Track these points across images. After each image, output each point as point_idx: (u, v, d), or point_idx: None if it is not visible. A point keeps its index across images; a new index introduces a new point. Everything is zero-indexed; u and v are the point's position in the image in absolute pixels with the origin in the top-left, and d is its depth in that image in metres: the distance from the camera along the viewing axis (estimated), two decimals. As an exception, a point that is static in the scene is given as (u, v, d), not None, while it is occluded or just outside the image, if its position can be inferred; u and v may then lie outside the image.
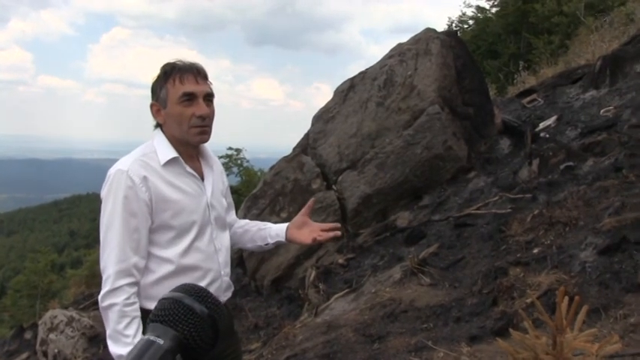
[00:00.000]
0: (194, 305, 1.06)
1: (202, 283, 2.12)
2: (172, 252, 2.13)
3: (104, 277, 2.06)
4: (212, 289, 2.18)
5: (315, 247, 6.96)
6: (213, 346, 1.08)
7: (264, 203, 7.36)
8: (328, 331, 4.84)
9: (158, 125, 2.19)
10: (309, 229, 2.37)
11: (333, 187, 7.15)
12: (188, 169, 2.18)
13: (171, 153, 2.14)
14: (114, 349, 2.01)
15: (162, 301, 1.08)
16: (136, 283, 2.08)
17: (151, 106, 2.16)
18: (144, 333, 1.06)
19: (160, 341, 1.02)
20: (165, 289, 2.04)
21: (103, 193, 2.11)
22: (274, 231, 2.44)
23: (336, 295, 5.69)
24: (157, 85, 2.14)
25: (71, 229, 73.14)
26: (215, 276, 2.23)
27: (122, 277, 2.05)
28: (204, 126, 2.14)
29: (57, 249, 54.33)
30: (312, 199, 2.48)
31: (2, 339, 11.50)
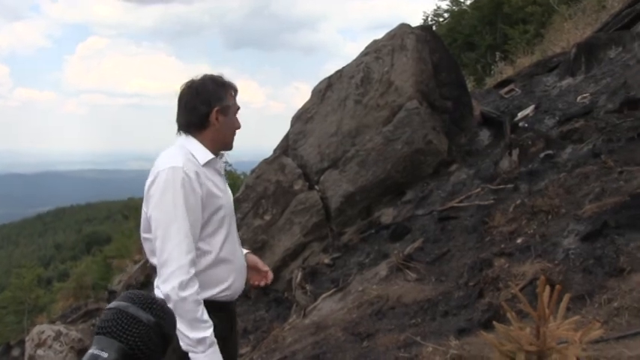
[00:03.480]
0: (139, 314, 1.03)
1: (234, 274, 2.34)
2: (212, 245, 2.27)
3: (170, 269, 2.12)
4: (240, 280, 2.39)
5: (301, 248, 6.94)
6: (162, 353, 1.05)
7: (248, 207, 7.32)
8: (317, 331, 4.83)
9: (197, 128, 2.29)
10: (259, 273, 2.61)
11: (316, 187, 7.13)
12: (220, 169, 2.37)
13: (209, 154, 2.29)
14: (195, 334, 2.10)
15: (107, 312, 1.04)
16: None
17: (216, 110, 2.28)
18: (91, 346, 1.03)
19: (104, 354, 0.99)
20: (204, 280, 2.21)
21: (158, 190, 2.19)
22: None
23: (323, 295, 5.68)
24: (221, 92, 2.30)
25: (56, 242, 72.38)
26: (242, 267, 2.41)
27: (192, 266, 2.15)
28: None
29: (43, 263, 53.70)
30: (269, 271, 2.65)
31: (-11, 358, 11.38)
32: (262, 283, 2.62)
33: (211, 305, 2.22)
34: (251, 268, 2.59)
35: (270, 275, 2.65)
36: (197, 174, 2.21)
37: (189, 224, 2.16)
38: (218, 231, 2.28)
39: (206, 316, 2.14)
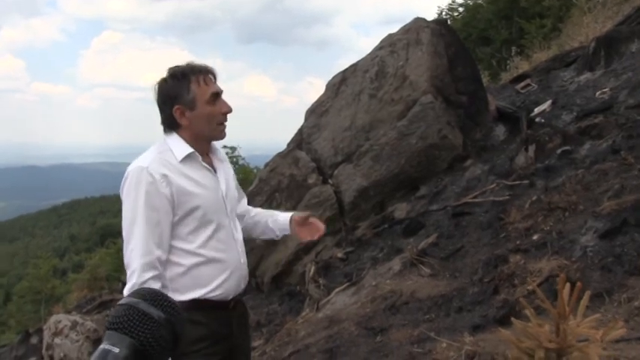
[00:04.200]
0: (150, 310, 1.04)
1: (225, 274, 2.25)
2: (194, 244, 2.20)
3: (129, 272, 2.11)
4: (234, 279, 2.29)
5: (314, 242, 6.93)
6: (173, 350, 1.06)
7: (261, 200, 7.32)
8: (330, 325, 4.82)
9: (171, 128, 2.24)
10: (309, 229, 2.56)
11: (329, 181, 7.11)
12: (204, 163, 2.26)
13: (187, 149, 2.21)
14: None
15: (118, 308, 1.06)
16: (159, 276, 2.13)
17: (175, 110, 2.19)
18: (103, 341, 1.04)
19: (116, 350, 1.00)
20: (191, 281, 2.17)
21: (124, 191, 2.16)
22: (281, 226, 2.59)
23: (336, 290, 5.66)
24: (178, 88, 2.19)
25: (71, 233, 73.09)
26: (236, 265, 2.30)
27: (147, 270, 2.10)
28: (225, 122, 2.29)
29: (58, 254, 54.29)
30: (309, 213, 2.61)
31: (10, 344, 11.56)
32: (316, 237, 2.55)
33: (202, 304, 2.20)
34: (300, 226, 2.55)
35: (321, 227, 2.58)
36: (164, 174, 2.13)
37: (150, 226, 2.11)
38: (200, 229, 2.21)
39: None
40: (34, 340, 10.00)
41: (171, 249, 2.19)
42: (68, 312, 10.70)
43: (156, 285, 2.09)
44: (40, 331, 9.64)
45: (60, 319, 8.68)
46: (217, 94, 2.24)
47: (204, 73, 2.22)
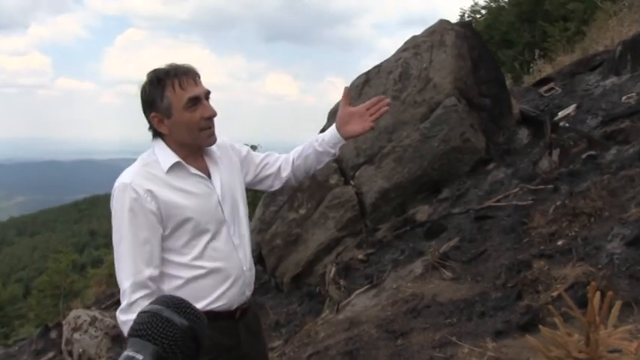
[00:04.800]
0: (173, 317, 1.05)
1: (226, 283, 2.14)
2: (189, 256, 2.10)
3: (121, 292, 2.05)
4: (237, 287, 2.18)
5: (334, 243, 6.93)
6: (195, 358, 1.07)
7: (282, 200, 7.34)
8: (350, 327, 4.80)
9: (157, 134, 2.13)
10: (359, 118, 2.34)
11: (351, 182, 7.10)
12: (193, 170, 2.12)
13: (173, 158, 2.09)
14: None
15: (141, 315, 1.06)
16: (152, 295, 2.03)
17: (152, 117, 2.07)
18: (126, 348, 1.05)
19: (140, 357, 1.01)
20: (191, 293, 2.06)
21: (112, 207, 2.09)
22: (330, 140, 2.36)
23: (357, 291, 5.65)
24: (153, 95, 2.05)
25: (91, 229, 73.81)
26: (237, 274, 2.18)
27: (137, 290, 2.02)
28: (212, 126, 2.11)
29: (77, 249, 54.88)
30: (345, 87, 2.40)
31: (29, 338, 11.69)
32: (368, 126, 2.33)
33: (206, 315, 2.14)
34: (348, 124, 2.33)
35: (374, 100, 2.34)
36: (148, 189, 2.03)
37: (137, 245, 2.02)
38: (193, 241, 2.10)
39: None
40: (53, 334, 10.10)
41: (166, 262, 2.10)
42: (87, 307, 10.80)
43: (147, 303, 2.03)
44: (59, 326, 9.74)
45: (79, 314, 8.77)
46: (196, 99, 2.05)
47: (180, 76, 2.03)
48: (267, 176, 2.42)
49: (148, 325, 1.03)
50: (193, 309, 1.09)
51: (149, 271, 2.03)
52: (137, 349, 1.02)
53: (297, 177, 2.46)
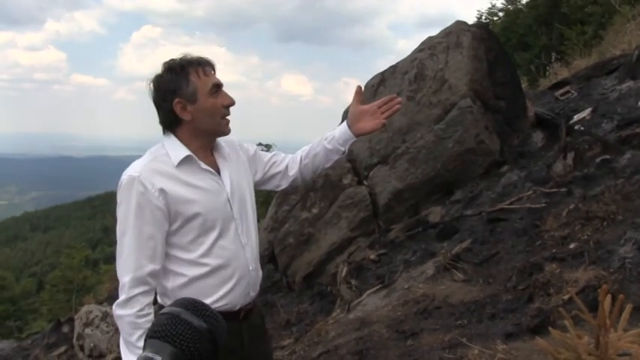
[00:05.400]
0: (192, 320, 1.05)
1: (231, 281, 2.10)
2: (196, 253, 2.06)
3: (120, 286, 2.01)
4: (241, 286, 2.14)
5: (347, 242, 6.94)
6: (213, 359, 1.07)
7: (295, 199, 7.36)
8: (361, 327, 4.82)
9: (170, 127, 2.11)
10: (370, 116, 2.34)
11: (364, 182, 7.12)
12: (203, 165, 2.10)
13: (184, 152, 2.07)
14: (125, 357, 2.00)
15: (160, 317, 1.08)
16: (151, 291, 2.03)
17: (176, 103, 2.03)
18: (143, 349, 1.05)
19: (158, 358, 1.01)
20: (194, 292, 2.03)
21: (118, 200, 2.05)
22: (341, 137, 2.37)
23: (368, 291, 5.66)
24: (177, 81, 2.04)
25: (104, 225, 74.32)
26: (243, 273, 2.14)
27: (136, 285, 1.99)
28: (229, 115, 2.12)
29: (91, 245, 55.33)
30: (357, 85, 2.41)
31: (42, 332, 11.80)
32: (380, 123, 2.32)
33: None
34: (360, 122, 2.34)
35: (385, 99, 2.33)
36: (157, 184, 1.99)
37: (141, 240, 1.98)
38: (201, 238, 2.06)
39: (140, 343, 1.90)
40: (65, 329, 10.19)
41: (171, 259, 2.06)
42: (99, 303, 10.88)
43: (145, 300, 1.99)
44: (71, 321, 9.81)
45: (91, 309, 8.83)
46: (219, 86, 2.08)
47: (202, 65, 2.06)
48: (275, 175, 2.42)
49: (166, 327, 1.04)
50: (212, 311, 1.10)
51: (150, 268, 2.00)
52: (156, 350, 1.03)
53: (304, 176, 2.46)
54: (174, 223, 2.03)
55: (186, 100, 2.04)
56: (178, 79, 2.03)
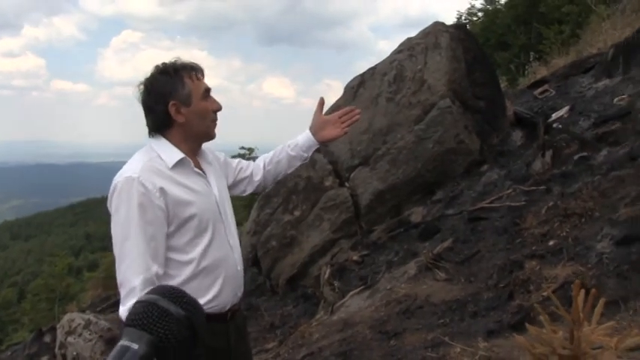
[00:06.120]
0: (169, 307, 1.04)
1: (221, 282, 2.13)
2: (192, 254, 2.08)
3: (125, 290, 1.98)
4: (230, 287, 2.18)
5: (329, 244, 6.95)
6: (192, 348, 1.06)
7: (277, 202, 7.36)
8: (344, 328, 4.83)
9: (161, 129, 2.13)
10: (332, 125, 2.50)
11: (346, 184, 7.13)
12: (195, 169, 2.14)
13: (178, 154, 2.09)
14: None
15: (137, 305, 1.06)
16: None
17: (171, 105, 2.06)
18: (120, 337, 1.04)
19: (135, 346, 1.00)
20: (188, 292, 2.04)
21: (113, 204, 2.04)
22: (304, 144, 2.51)
23: (351, 293, 5.68)
24: (172, 83, 2.07)
25: (87, 232, 73.68)
26: (232, 274, 2.19)
27: (148, 287, 1.93)
28: (216, 120, 2.19)
29: (73, 252, 54.77)
30: (320, 97, 2.56)
31: (23, 342, 11.64)
32: (342, 131, 2.50)
33: None
34: (323, 130, 2.50)
35: (346, 110, 2.52)
36: (157, 184, 2.01)
37: (145, 241, 1.98)
38: (196, 239, 2.08)
39: None
40: (47, 338, 10.07)
41: (166, 261, 2.06)
42: (82, 311, 10.78)
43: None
44: (53, 330, 9.70)
45: (73, 317, 8.73)
46: (209, 91, 2.15)
47: (195, 69, 2.13)
48: (242, 180, 2.52)
49: (143, 315, 1.03)
50: (190, 298, 1.08)
51: (155, 268, 2.00)
52: (132, 338, 1.01)
53: (267, 182, 2.57)
54: (171, 224, 2.04)
55: (181, 102, 2.08)
56: (174, 82, 2.08)
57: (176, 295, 1.07)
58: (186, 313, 1.05)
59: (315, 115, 2.52)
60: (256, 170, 2.53)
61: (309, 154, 2.55)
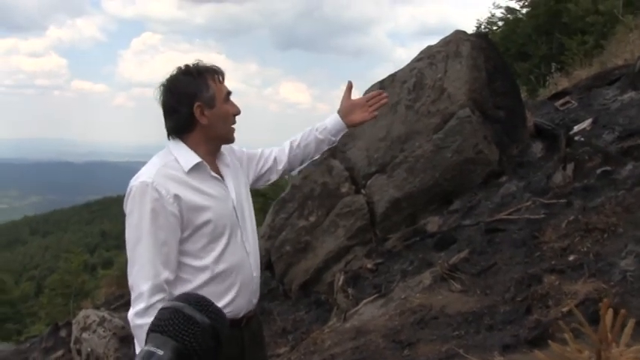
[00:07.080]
0: (195, 315, 1.05)
1: (235, 288, 2.12)
2: (206, 260, 2.07)
3: (134, 294, 2.00)
4: (245, 293, 2.17)
5: (344, 251, 6.90)
6: (215, 356, 1.06)
7: (293, 207, 7.32)
8: (357, 336, 4.78)
9: (181, 132, 2.12)
10: (360, 108, 2.50)
11: (362, 191, 7.08)
12: (212, 173, 2.13)
13: (195, 158, 2.08)
14: None
15: (162, 311, 1.07)
16: (167, 299, 2.00)
17: (196, 107, 2.05)
18: (145, 343, 1.05)
19: (160, 352, 1.01)
20: None
21: (127, 207, 2.04)
22: (333, 128, 2.50)
23: (365, 301, 5.62)
24: (197, 85, 2.07)
25: (102, 230, 74.27)
26: (247, 280, 2.18)
27: (155, 293, 1.98)
28: (235, 123, 2.20)
29: (89, 249, 55.23)
30: (349, 81, 2.57)
31: (40, 336, 11.79)
32: (370, 115, 2.50)
33: None
34: (351, 114, 2.49)
35: (374, 94, 2.53)
36: (171, 190, 2.00)
37: (157, 247, 1.98)
38: (211, 244, 2.08)
39: None
40: (62, 333, 10.18)
41: (180, 266, 2.07)
42: (97, 308, 10.85)
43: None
44: (68, 325, 9.80)
45: (89, 314, 8.80)
46: (230, 94, 2.16)
47: (218, 73, 2.13)
48: (267, 171, 2.49)
49: (169, 322, 1.04)
50: (215, 308, 1.09)
51: (166, 274, 2.00)
52: (157, 344, 1.02)
53: (293, 165, 2.54)
54: (186, 229, 2.04)
55: (205, 104, 2.07)
56: (197, 83, 2.07)
57: (202, 303, 1.08)
58: (212, 322, 1.06)
59: (343, 99, 2.52)
60: (280, 156, 2.49)
61: (337, 138, 2.54)
